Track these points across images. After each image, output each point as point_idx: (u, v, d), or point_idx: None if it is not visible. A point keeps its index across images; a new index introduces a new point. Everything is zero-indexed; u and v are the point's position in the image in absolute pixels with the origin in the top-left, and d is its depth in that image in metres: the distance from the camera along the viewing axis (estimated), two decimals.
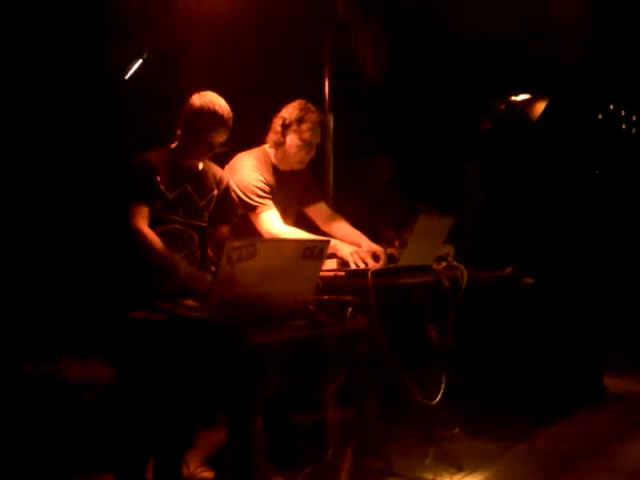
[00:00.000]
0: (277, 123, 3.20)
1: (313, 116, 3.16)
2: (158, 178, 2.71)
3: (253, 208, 3.09)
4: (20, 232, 3.38)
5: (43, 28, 3.42)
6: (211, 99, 2.74)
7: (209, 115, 2.71)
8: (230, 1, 3.77)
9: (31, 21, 3.40)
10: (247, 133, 3.13)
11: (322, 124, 3.26)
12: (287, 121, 3.16)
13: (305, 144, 3.16)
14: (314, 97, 3.37)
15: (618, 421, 4.06)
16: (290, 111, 3.17)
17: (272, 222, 3.08)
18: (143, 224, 2.62)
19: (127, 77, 3.55)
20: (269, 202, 3.12)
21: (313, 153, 3.24)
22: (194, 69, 3.72)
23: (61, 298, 3.46)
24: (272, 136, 3.22)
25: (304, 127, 3.14)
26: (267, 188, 3.14)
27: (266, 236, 3.05)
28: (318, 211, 3.41)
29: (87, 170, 3.57)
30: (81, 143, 3.57)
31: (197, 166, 2.85)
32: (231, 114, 2.76)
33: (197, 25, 3.76)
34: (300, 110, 3.16)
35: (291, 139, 3.16)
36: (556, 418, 3.99)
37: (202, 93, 2.77)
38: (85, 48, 3.53)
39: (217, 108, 2.71)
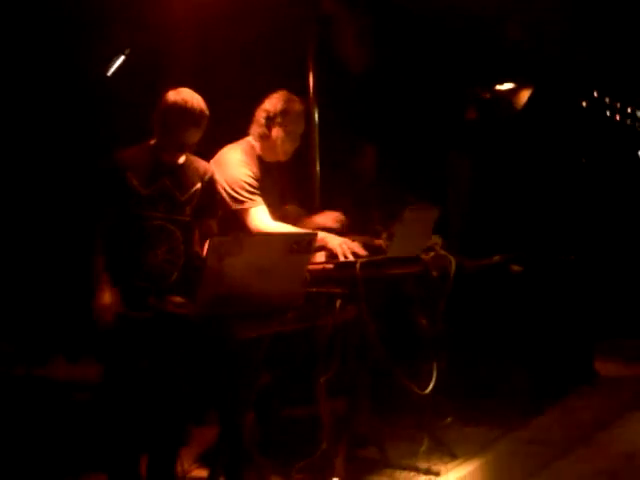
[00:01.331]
0: (261, 116, 3.16)
1: (296, 106, 3.14)
2: (129, 174, 2.63)
3: (242, 204, 3.07)
4: (10, 236, 3.36)
5: (24, 23, 3.38)
6: (184, 97, 2.62)
7: (181, 113, 2.60)
8: None
9: (11, 16, 3.36)
10: (230, 127, 3.10)
11: (306, 114, 3.24)
12: (271, 114, 3.13)
13: (290, 135, 3.15)
14: (298, 90, 3.35)
15: (610, 405, 4.09)
16: (274, 103, 3.14)
17: (261, 218, 3.05)
18: (100, 234, 2.62)
19: (109, 73, 3.52)
20: (258, 198, 3.09)
21: (298, 143, 3.23)
22: (177, 63, 3.70)
23: (50, 298, 3.44)
24: (257, 129, 3.19)
25: (289, 119, 3.12)
26: (256, 183, 3.10)
27: (255, 232, 3.03)
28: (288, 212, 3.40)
29: (72, 170, 3.54)
30: (63, 140, 3.54)
31: (176, 160, 2.75)
32: (205, 113, 2.65)
33: (180, 19, 3.73)
34: (284, 102, 3.13)
35: (276, 131, 3.14)
36: (549, 404, 4.01)
37: (178, 90, 2.65)
38: (67, 44, 3.49)
39: (189, 106, 2.60)
